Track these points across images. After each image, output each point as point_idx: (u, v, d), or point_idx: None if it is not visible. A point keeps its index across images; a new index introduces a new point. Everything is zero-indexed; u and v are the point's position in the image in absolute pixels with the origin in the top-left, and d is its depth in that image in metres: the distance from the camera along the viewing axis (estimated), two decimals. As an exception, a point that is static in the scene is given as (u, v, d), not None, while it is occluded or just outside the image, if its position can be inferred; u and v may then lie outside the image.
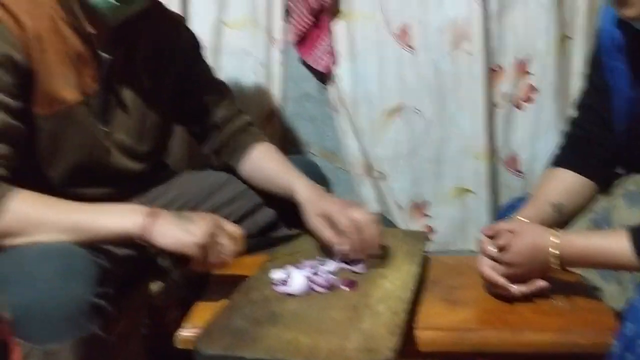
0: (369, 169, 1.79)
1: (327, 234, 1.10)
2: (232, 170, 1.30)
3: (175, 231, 0.94)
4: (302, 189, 1.17)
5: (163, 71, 1.21)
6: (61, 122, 1.04)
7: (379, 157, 1.78)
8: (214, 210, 1.25)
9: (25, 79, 0.98)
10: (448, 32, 1.72)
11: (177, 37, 1.25)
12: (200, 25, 1.70)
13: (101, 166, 1.13)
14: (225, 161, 1.30)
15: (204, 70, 1.32)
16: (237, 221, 1.25)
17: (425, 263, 1.15)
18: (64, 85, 1.03)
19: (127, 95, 1.14)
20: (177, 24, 1.28)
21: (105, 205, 0.99)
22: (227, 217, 1.24)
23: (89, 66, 1.07)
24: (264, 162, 1.26)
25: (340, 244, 1.07)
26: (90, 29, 1.04)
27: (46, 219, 0.92)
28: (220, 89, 1.32)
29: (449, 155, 1.81)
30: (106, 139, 1.11)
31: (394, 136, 1.78)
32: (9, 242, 0.91)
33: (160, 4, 1.26)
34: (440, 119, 1.77)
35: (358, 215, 1.07)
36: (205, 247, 0.95)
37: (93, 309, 0.85)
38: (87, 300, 0.84)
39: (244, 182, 1.29)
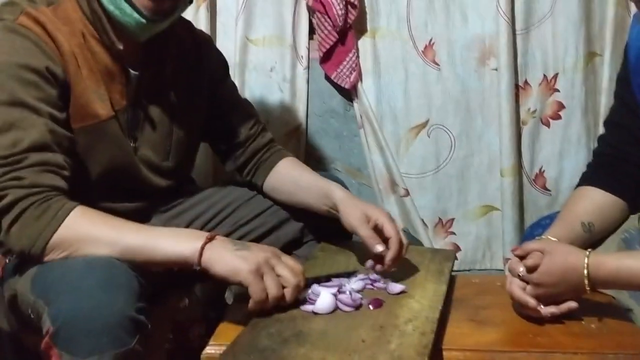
0: (394, 185, 1.78)
1: (365, 231, 1.08)
2: (255, 188, 1.31)
3: (229, 257, 0.90)
4: (338, 190, 1.16)
5: (191, 89, 1.22)
6: (93, 136, 1.05)
7: (404, 174, 1.78)
8: (239, 225, 1.26)
9: (64, 92, 1.00)
10: (474, 48, 1.72)
11: (205, 55, 1.27)
12: (226, 42, 1.73)
13: (129, 181, 1.14)
14: (249, 179, 1.31)
15: (230, 89, 1.33)
16: (262, 236, 1.26)
17: (451, 282, 1.13)
18: (96, 100, 1.05)
19: (155, 111, 1.15)
20: (205, 43, 1.30)
21: (162, 228, 0.98)
22: (251, 232, 1.25)
23: (118, 82, 1.08)
24: (292, 173, 1.26)
25: (378, 244, 1.06)
26: (119, 46, 1.05)
27: (102, 236, 0.92)
28: (245, 108, 1.33)
29: (475, 172, 1.80)
30: (134, 155, 1.12)
31: (419, 153, 1.78)
32: (60, 255, 0.91)
33: (190, 23, 1.28)
34: (466, 136, 1.77)
35: (387, 225, 1.09)
36: (260, 276, 0.89)
37: (134, 323, 0.83)
38: (129, 314, 0.83)
39: (269, 198, 1.29)
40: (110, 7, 1.01)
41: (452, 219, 1.82)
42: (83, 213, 0.93)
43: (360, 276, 1.06)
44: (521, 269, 0.99)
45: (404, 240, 1.09)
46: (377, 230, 1.09)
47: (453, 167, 1.79)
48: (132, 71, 1.09)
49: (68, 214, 0.91)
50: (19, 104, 0.93)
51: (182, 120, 1.19)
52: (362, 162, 1.82)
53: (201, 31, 1.34)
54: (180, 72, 1.19)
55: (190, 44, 1.23)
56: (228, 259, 0.90)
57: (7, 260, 1.01)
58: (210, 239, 0.91)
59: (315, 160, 1.83)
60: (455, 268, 1.26)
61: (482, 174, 1.79)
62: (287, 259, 0.95)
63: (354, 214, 1.11)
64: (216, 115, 1.28)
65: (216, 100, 1.27)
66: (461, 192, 1.81)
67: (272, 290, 0.89)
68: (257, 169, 1.29)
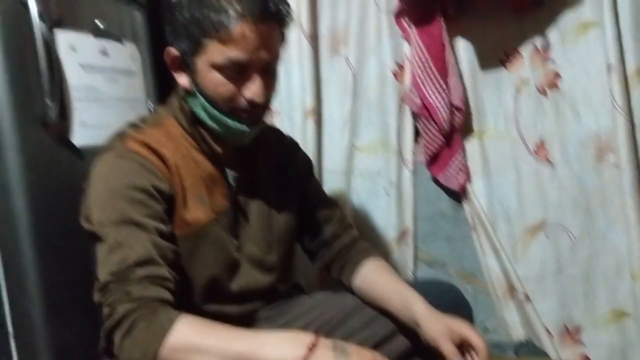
0: (513, 290, 1.68)
1: (448, 346, 1.04)
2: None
3: None
4: (420, 303, 1.12)
5: (282, 187, 1.25)
6: (196, 241, 1.09)
7: (522, 278, 1.68)
8: (349, 335, 1.22)
9: (169, 205, 1.05)
10: (590, 145, 1.64)
11: (293, 156, 1.32)
12: (332, 150, 1.78)
13: (233, 280, 1.15)
14: (336, 277, 1.29)
15: (316, 187, 1.36)
16: (373, 347, 1.20)
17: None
18: (199, 206, 1.10)
19: (254, 208, 1.19)
20: (292, 146, 1.35)
21: (268, 334, 0.95)
22: (362, 343, 1.20)
23: (220, 185, 1.14)
24: (376, 279, 1.23)
25: None
26: (219, 150, 1.12)
27: (209, 346, 0.91)
28: (331, 206, 1.34)
29: (601, 274, 1.66)
30: (237, 252, 1.15)
31: (538, 255, 1.69)
32: None
33: (278, 129, 1.37)
34: (589, 236, 1.66)
35: (474, 337, 1.04)
36: None
37: None
38: None
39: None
40: (214, 126, 1.08)
41: (580, 327, 1.67)
42: (189, 322, 0.93)
43: None
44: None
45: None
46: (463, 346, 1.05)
47: (576, 269, 1.67)
48: (231, 173, 1.14)
49: (175, 324, 0.91)
50: (128, 222, 0.98)
51: (279, 215, 1.23)
52: (477, 266, 1.74)
53: (288, 136, 1.39)
54: (271, 171, 1.24)
55: (279, 147, 1.30)
56: None
57: None
58: (313, 346, 0.88)
59: (426, 264, 1.77)
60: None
61: (610, 277, 1.65)
62: None
63: (436, 328, 1.07)
64: (304, 213, 1.30)
65: (303, 198, 1.30)
66: (588, 297, 1.67)
67: None
68: (343, 268, 1.28)
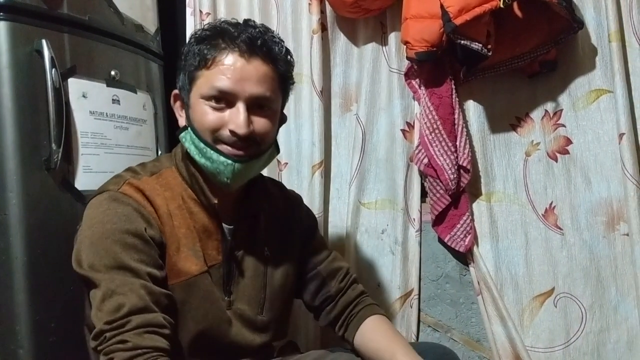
0: (519, 360, 1.62)
1: None
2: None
3: None
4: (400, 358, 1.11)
5: (283, 243, 1.24)
6: (186, 292, 1.08)
7: (529, 348, 1.61)
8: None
9: (161, 252, 1.06)
10: (601, 212, 1.61)
11: (297, 212, 1.31)
12: (339, 206, 1.77)
13: (223, 337, 1.12)
14: (341, 335, 1.27)
15: (321, 243, 1.34)
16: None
17: None
18: (191, 257, 1.09)
19: (249, 265, 1.17)
20: (296, 201, 1.35)
21: None
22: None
23: (214, 238, 1.13)
24: (372, 335, 1.21)
25: None
26: (214, 200, 1.10)
27: None
28: (336, 261, 1.32)
29: (612, 348, 1.60)
30: (228, 309, 1.13)
31: (546, 324, 1.62)
32: None
33: (281, 184, 1.37)
34: (599, 307, 1.60)
35: None
36: None
37: None
38: None
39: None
40: (202, 160, 1.08)
41: (589, 403, 1.59)
42: None
43: None
44: None
45: None
46: None
47: (586, 342, 1.60)
48: (226, 226, 1.14)
49: None
50: (120, 267, 0.99)
51: (276, 273, 1.21)
52: (482, 333, 1.68)
53: (292, 190, 1.38)
54: (272, 227, 1.23)
55: (282, 202, 1.29)
56: None
57: None
58: None
59: (430, 328, 1.72)
60: None
61: (622, 352, 1.58)
62: None
63: None
64: (307, 269, 1.29)
65: (307, 253, 1.29)
66: (597, 372, 1.59)
67: None
68: (347, 324, 1.26)
